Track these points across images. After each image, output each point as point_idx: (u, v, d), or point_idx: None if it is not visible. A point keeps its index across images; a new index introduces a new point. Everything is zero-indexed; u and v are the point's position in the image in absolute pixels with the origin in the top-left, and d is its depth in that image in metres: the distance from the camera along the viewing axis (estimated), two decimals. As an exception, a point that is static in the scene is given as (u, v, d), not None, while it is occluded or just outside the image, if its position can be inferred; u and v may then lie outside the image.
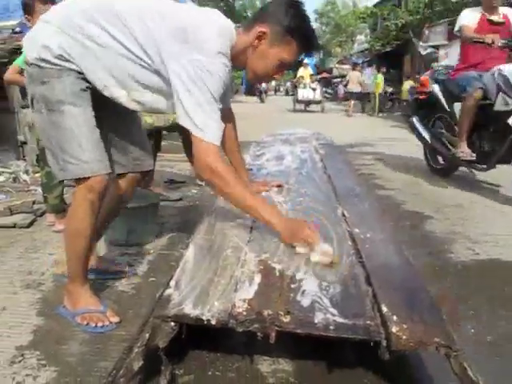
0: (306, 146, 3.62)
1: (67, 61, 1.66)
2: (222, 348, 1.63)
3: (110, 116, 1.89)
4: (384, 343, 1.13)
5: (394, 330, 1.12)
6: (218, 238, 1.69)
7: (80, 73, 1.68)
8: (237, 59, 1.75)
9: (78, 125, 1.67)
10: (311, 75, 16.71)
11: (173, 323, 1.19)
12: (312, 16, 46.77)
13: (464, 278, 2.38)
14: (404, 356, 1.55)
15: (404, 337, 1.11)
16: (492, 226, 3.18)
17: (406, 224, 3.21)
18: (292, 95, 19.70)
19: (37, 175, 4.39)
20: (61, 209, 3.00)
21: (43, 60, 1.64)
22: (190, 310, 1.20)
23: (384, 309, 1.21)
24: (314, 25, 47.23)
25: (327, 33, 43.74)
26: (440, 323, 1.18)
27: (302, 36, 1.71)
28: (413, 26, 15.40)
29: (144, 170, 2.09)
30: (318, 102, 16.25)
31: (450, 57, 10.71)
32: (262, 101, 22.85)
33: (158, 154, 4.03)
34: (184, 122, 1.64)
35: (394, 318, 1.16)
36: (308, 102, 16.46)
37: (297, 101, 16.44)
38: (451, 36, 11.24)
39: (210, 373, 1.53)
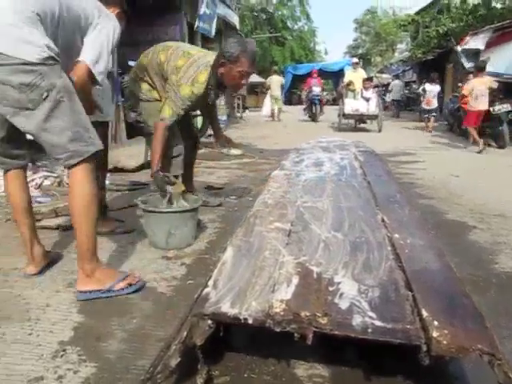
0: (345, 153, 3.60)
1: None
2: (259, 351, 1.63)
3: None
4: (424, 348, 1.10)
5: (434, 334, 1.10)
6: (256, 241, 1.69)
7: None
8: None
9: (84, 109, 2.03)
10: (365, 79, 12.36)
11: (210, 321, 1.20)
12: (352, 25, 46.58)
13: (510, 290, 2.30)
14: (444, 365, 1.52)
15: (445, 342, 1.08)
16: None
17: (448, 233, 3.13)
18: (336, 105, 15.34)
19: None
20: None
21: (52, 58, 1.85)
22: (227, 308, 1.21)
23: (424, 313, 1.18)
24: (354, 34, 47.20)
25: (367, 42, 43.40)
26: (483, 329, 1.15)
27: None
28: (455, 34, 15.06)
29: None
30: (374, 118, 11.83)
31: (497, 64, 10.43)
32: (314, 119, 15.20)
33: (198, 161, 4.06)
34: None
35: (435, 322, 1.14)
36: (359, 118, 12.20)
37: (343, 115, 11.98)
38: (492, 43, 10.94)
39: (245, 375, 1.53)
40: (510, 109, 8.04)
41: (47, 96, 1.85)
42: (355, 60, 14.27)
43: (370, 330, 1.15)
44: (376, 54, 40.54)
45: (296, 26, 33.67)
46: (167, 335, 1.61)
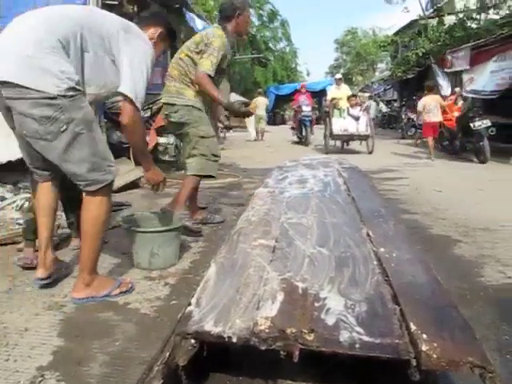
0: (329, 169, 3.60)
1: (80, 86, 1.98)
2: (246, 371, 1.58)
3: None
4: (414, 362, 1.08)
5: (423, 348, 1.07)
6: (240, 258, 1.66)
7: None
8: None
9: (103, 137, 2.15)
10: (351, 96, 11.28)
11: (193, 340, 1.16)
12: (333, 46, 47.39)
13: (496, 302, 2.29)
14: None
15: (435, 355, 1.05)
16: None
17: (433, 247, 3.13)
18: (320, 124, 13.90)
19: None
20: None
21: (72, 88, 1.89)
22: (210, 327, 1.17)
23: (412, 327, 1.16)
24: (335, 54, 47.98)
25: (348, 62, 44.12)
26: (473, 342, 1.13)
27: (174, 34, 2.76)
28: (434, 53, 15.36)
29: None
30: (365, 138, 10.66)
31: (476, 82, 10.65)
32: (305, 143, 13.19)
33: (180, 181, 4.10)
34: None
35: (424, 336, 1.11)
36: (348, 138, 11.09)
37: (330, 136, 10.74)
38: (474, 61, 11.18)
39: (231, 396, 1.49)
40: (489, 124, 8.19)
41: (66, 129, 1.91)
42: (339, 76, 12.94)
43: (357, 346, 1.12)
44: (357, 73, 41.22)
45: (278, 47, 34.15)
46: (151, 357, 1.56)
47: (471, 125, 8.18)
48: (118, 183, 5.26)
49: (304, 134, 13.27)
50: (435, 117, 9.07)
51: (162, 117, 3.78)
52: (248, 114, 3.76)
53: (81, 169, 2.02)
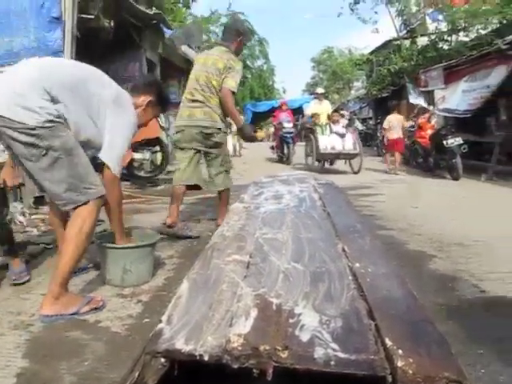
0: (305, 185, 3.59)
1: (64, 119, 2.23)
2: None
3: None
4: (389, 379, 1.05)
5: (399, 364, 1.05)
6: (214, 274, 1.62)
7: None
8: None
9: (86, 161, 2.31)
10: (333, 112, 10.81)
11: (163, 359, 1.11)
12: (309, 64, 48.07)
13: (471, 316, 2.30)
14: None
15: (410, 371, 1.03)
16: (497, 264, 3.10)
17: (409, 263, 3.14)
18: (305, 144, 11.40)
19: (33, 217, 4.36)
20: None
21: (50, 121, 2.14)
22: (181, 345, 1.13)
23: (388, 342, 1.13)
24: (312, 73, 48.66)
25: (325, 80, 44.73)
26: (449, 357, 1.11)
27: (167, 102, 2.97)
28: (407, 72, 15.71)
29: None
30: (353, 157, 9.87)
31: (449, 100, 10.89)
32: (287, 161, 12.30)
33: (156, 197, 4.09)
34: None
35: (400, 351, 1.09)
36: (335, 157, 10.09)
37: (316, 156, 9.89)
38: (447, 80, 11.45)
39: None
40: (461, 142, 8.36)
41: (46, 153, 2.16)
42: (321, 90, 12.02)
43: (332, 363, 1.09)
44: (333, 91, 41.77)
45: (256, 64, 34.43)
46: (120, 377, 1.50)
47: (444, 142, 8.34)
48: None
49: (286, 151, 12.51)
50: (396, 134, 9.92)
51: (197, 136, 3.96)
52: (253, 140, 4.59)
53: (59, 188, 2.23)
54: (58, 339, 2.02)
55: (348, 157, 9.98)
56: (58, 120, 2.18)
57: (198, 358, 1.10)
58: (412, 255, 3.37)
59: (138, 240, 2.81)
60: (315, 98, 11.84)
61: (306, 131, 10.92)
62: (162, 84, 2.98)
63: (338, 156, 9.98)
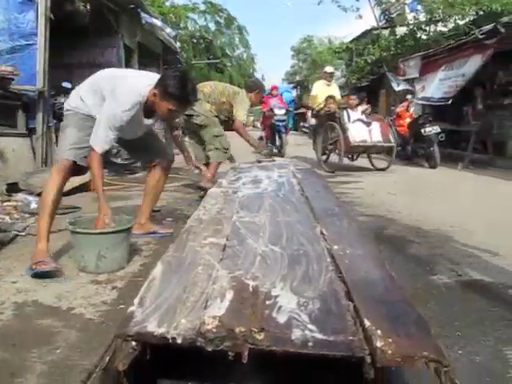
0: (284, 171, 3.56)
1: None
2: (196, 378, 1.50)
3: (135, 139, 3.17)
4: (368, 359, 1.03)
5: (378, 344, 1.02)
6: (189, 256, 1.58)
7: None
8: (149, 105, 2.87)
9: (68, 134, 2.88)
10: (349, 96, 8.84)
11: (134, 343, 1.07)
12: (289, 53, 47.87)
13: (448, 299, 2.30)
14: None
15: (389, 351, 1.01)
16: (473, 249, 3.12)
17: (387, 248, 3.13)
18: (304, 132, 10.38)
19: (6, 204, 4.25)
20: None
21: (66, 110, 2.94)
22: (153, 327, 1.08)
23: (367, 323, 1.11)
24: (291, 61, 48.57)
25: (304, 69, 44.60)
26: (428, 336, 1.09)
27: (176, 96, 2.80)
28: (387, 61, 15.74)
29: (166, 159, 3.39)
30: (385, 150, 8.42)
31: (427, 89, 10.95)
32: (280, 154, 9.44)
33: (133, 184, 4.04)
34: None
35: (378, 332, 1.06)
36: (364, 151, 8.30)
37: (345, 149, 7.75)
38: (424, 70, 11.52)
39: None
40: (439, 130, 8.41)
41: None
42: (330, 69, 9.85)
43: (310, 344, 1.06)
44: (313, 80, 41.65)
45: (235, 53, 34.17)
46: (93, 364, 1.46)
47: (422, 131, 8.39)
48: (67, 186, 5.06)
49: (278, 143, 10.48)
50: None
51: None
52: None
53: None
54: (28, 327, 1.95)
55: (381, 150, 8.43)
56: (71, 109, 2.89)
57: (170, 341, 1.06)
58: (390, 240, 3.37)
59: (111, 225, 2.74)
60: (322, 78, 9.63)
61: (324, 118, 8.56)
62: (173, 76, 2.86)
63: (369, 149, 8.23)
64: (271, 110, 10.60)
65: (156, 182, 3.36)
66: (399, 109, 10.24)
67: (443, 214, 4.29)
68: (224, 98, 5.05)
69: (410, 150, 9.32)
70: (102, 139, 2.80)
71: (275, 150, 9.44)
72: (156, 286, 1.33)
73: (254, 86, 5.37)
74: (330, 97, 8.44)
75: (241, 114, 4.95)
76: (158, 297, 1.25)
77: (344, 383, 1.31)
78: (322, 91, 8.97)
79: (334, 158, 8.30)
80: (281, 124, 10.48)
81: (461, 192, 5.87)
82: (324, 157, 8.49)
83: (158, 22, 10.73)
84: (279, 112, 10.49)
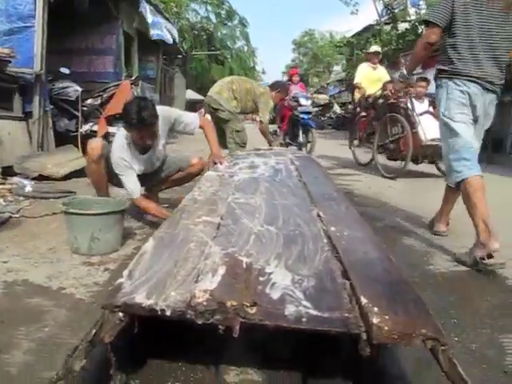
0: (282, 158, 3.52)
1: None
2: (186, 357, 1.46)
3: None
4: (364, 336, 0.99)
5: (374, 321, 0.99)
6: (182, 233, 1.54)
7: None
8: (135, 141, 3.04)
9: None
10: (420, 81, 6.40)
11: (121, 314, 1.03)
12: (290, 46, 47.69)
13: (445, 288, 2.27)
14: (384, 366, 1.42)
15: (386, 328, 0.97)
16: (470, 240, 3.08)
17: (384, 237, 3.10)
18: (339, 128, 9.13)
19: (0, 187, 4.20)
20: None
21: None
22: (142, 299, 1.05)
23: (363, 300, 1.07)
24: (292, 55, 48.26)
25: (305, 63, 44.48)
26: (426, 315, 1.05)
27: (126, 126, 2.97)
28: (388, 56, 15.67)
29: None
30: None
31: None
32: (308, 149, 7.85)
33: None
34: None
35: (375, 308, 1.03)
36: (432, 154, 6.12)
37: (414, 150, 5.79)
38: (426, 65, 11.44)
39: (169, 384, 1.36)
40: None
41: None
42: (374, 48, 8.16)
43: (304, 320, 1.03)
44: (313, 74, 41.60)
45: (236, 46, 34.01)
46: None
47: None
48: (63, 170, 5.02)
49: (302, 139, 8.18)
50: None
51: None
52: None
53: None
54: (17, 306, 1.91)
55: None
56: None
57: (159, 312, 1.02)
58: (388, 230, 3.34)
59: (106, 208, 2.70)
60: (367, 60, 7.99)
61: (382, 109, 6.69)
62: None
63: (439, 151, 5.31)
64: (295, 99, 8.31)
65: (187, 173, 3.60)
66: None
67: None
68: (250, 97, 5.21)
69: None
70: (130, 190, 3.02)
71: (294, 147, 7.57)
72: (146, 260, 1.29)
73: (278, 86, 5.74)
74: (388, 82, 6.19)
75: (265, 115, 5.26)
76: (148, 270, 1.21)
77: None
78: (368, 77, 7.45)
79: (381, 160, 6.62)
80: (306, 117, 8.15)
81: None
82: (380, 158, 6.67)
83: (160, 20, 10.66)
84: (305, 103, 8.29)
